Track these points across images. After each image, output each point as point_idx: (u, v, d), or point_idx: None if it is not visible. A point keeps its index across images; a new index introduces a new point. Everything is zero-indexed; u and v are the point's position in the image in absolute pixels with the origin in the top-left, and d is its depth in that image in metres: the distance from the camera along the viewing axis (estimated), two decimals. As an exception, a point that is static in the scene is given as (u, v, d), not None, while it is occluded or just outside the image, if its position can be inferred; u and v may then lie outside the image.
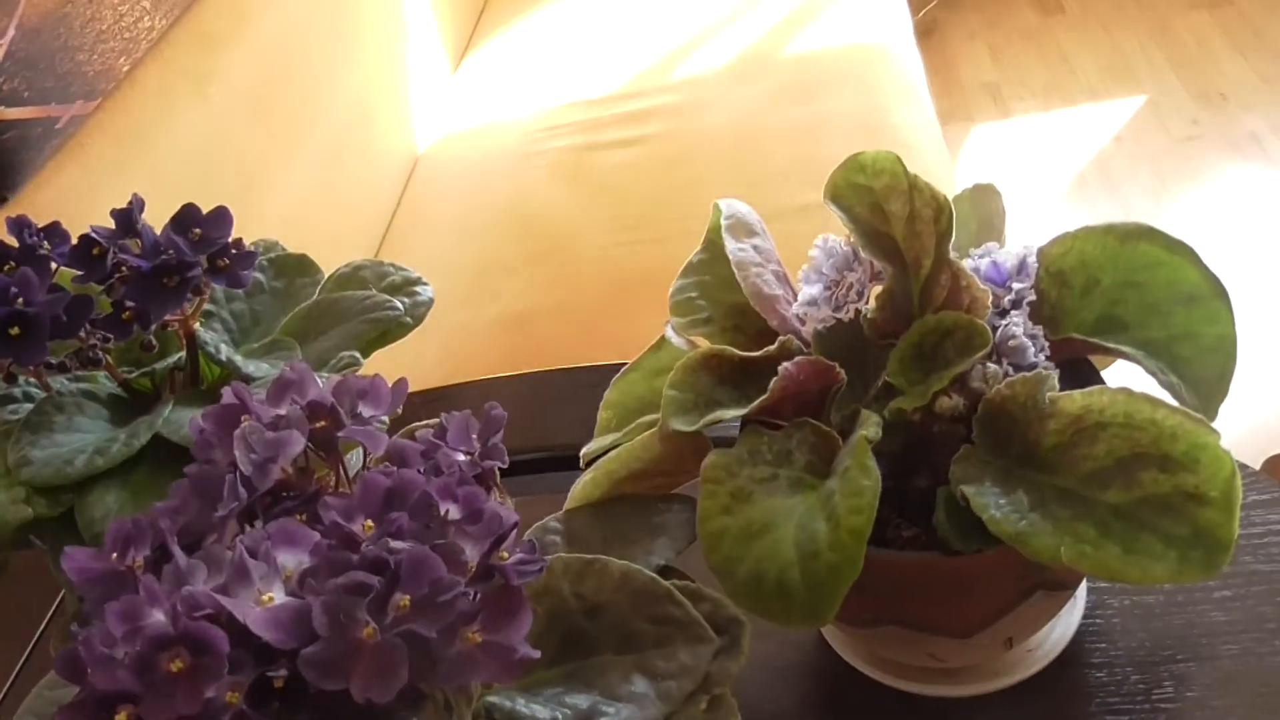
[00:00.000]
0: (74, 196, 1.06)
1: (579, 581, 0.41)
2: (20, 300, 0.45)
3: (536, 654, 0.33)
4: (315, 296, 0.56)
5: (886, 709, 0.50)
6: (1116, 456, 0.39)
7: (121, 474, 0.46)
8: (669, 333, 0.51)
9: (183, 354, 0.52)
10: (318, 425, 0.39)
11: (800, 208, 1.43)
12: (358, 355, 0.50)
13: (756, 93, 1.65)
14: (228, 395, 0.40)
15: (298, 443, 0.38)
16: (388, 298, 0.53)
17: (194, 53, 1.26)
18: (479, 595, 0.33)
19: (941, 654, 0.47)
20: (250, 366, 0.50)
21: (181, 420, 0.47)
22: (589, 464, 0.50)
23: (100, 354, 0.48)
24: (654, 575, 0.40)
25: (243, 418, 0.40)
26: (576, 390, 0.92)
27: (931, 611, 0.45)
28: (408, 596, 0.31)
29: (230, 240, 0.48)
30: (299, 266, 0.58)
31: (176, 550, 0.35)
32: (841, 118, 1.57)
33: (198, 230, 0.47)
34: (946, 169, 1.51)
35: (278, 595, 0.33)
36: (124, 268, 0.47)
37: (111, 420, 0.49)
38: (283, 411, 0.40)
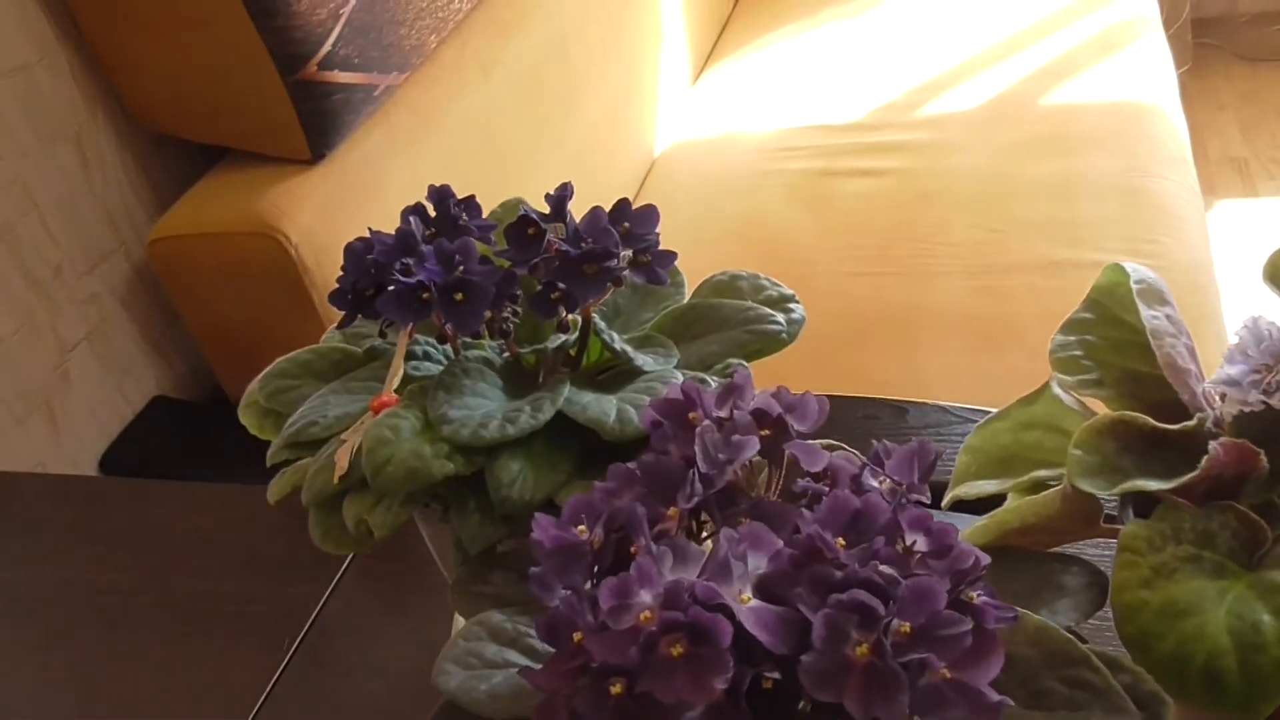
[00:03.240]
0: (374, 161, 1.12)
1: (989, 628, 0.40)
2: (461, 268, 0.48)
3: (1010, 701, 0.33)
4: (688, 300, 0.57)
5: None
6: None
7: (523, 444, 0.48)
8: (1056, 389, 0.50)
9: (567, 337, 0.54)
10: (762, 434, 0.41)
11: (1050, 263, 1.40)
12: (745, 364, 0.51)
13: (1009, 140, 1.62)
14: (674, 391, 0.42)
15: (753, 447, 0.39)
16: (770, 311, 0.54)
17: (486, 37, 1.32)
18: (947, 632, 0.34)
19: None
20: (639, 359, 0.52)
21: (582, 401, 0.49)
22: (952, 506, 0.50)
23: (510, 327, 0.51)
24: (1071, 636, 0.40)
25: (690, 415, 0.41)
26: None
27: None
28: (908, 624, 0.32)
29: (654, 236, 0.49)
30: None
31: (647, 536, 0.36)
32: (1100, 176, 1.52)
33: (626, 224, 0.49)
34: (1204, 245, 1.45)
35: (751, 597, 0.34)
36: (552, 250, 0.49)
37: (504, 390, 0.52)
38: (726, 414, 0.41)
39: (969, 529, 0.47)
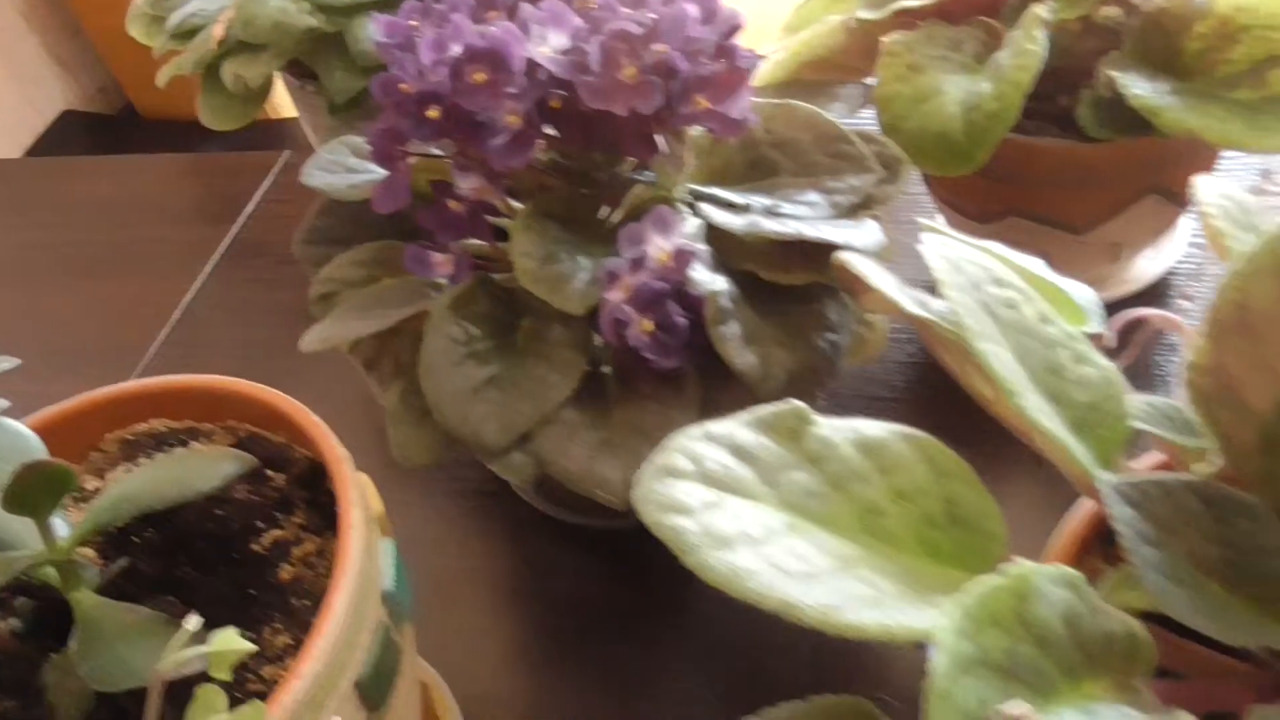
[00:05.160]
0: None
1: (770, 120, 0.48)
2: None
3: (755, 119, 0.41)
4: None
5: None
6: (1252, 60, 0.45)
7: (379, 8, 0.54)
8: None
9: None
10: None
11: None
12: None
13: None
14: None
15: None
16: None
17: None
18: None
19: (1054, 252, 0.55)
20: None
21: (432, -28, 0.54)
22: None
23: (364, -90, 0.56)
24: (836, 120, 0.47)
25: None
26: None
27: (1057, 201, 0.52)
28: (665, 45, 0.39)
29: None
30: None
31: (466, 6, 0.43)
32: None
33: None
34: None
35: (551, 51, 0.41)
36: None
37: (364, -24, 0.57)
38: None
39: (767, 66, 0.54)
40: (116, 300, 0.76)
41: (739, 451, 0.28)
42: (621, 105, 0.39)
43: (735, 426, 0.28)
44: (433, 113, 0.40)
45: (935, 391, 0.56)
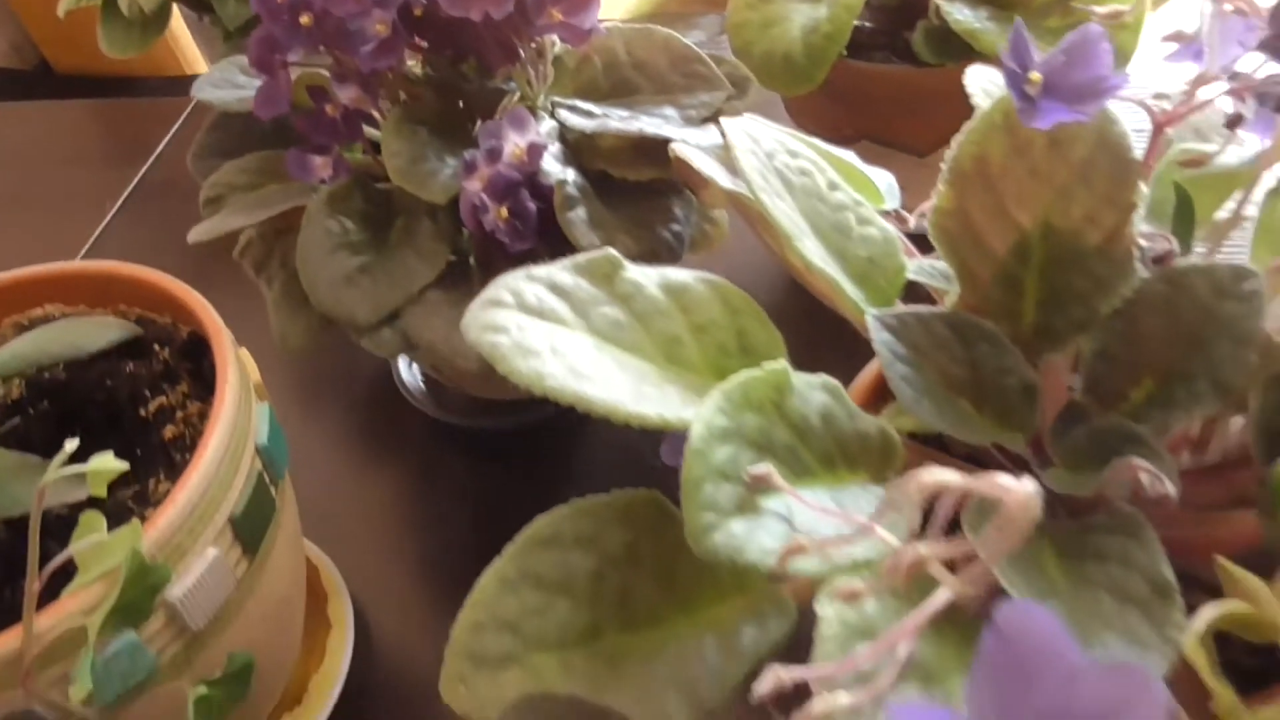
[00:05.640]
0: None
1: (630, 44, 0.52)
2: None
3: (603, 30, 0.45)
4: None
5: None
6: (1059, -10, 0.51)
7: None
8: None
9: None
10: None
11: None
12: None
13: None
14: None
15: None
16: None
17: None
18: (565, -10, 0.45)
19: (903, 175, 0.59)
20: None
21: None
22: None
23: None
24: (690, 44, 0.52)
25: None
26: None
27: (899, 125, 0.57)
28: (522, -38, 0.43)
29: None
30: None
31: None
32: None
33: None
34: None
35: (418, -30, 0.45)
36: None
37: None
38: None
39: (631, 5, 0.59)
40: (21, 240, 0.78)
41: (556, 289, 0.32)
42: (477, 11, 0.43)
43: (555, 269, 0.33)
44: (305, 19, 0.43)
45: (781, 286, 0.61)
